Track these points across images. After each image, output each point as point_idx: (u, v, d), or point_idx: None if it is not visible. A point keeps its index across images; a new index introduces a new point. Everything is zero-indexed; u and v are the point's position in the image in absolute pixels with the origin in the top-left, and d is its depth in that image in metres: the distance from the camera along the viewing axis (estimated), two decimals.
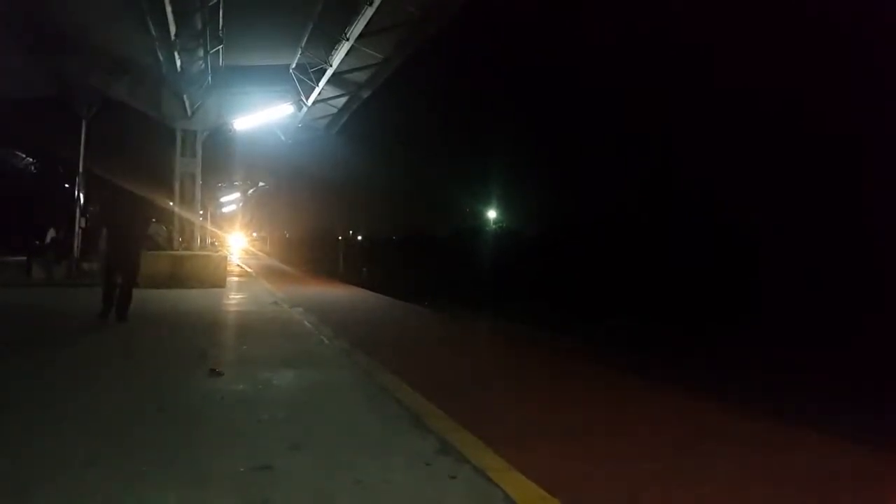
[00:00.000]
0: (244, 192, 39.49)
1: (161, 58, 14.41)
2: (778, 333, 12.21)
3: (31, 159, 33.85)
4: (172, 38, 13.23)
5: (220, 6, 12.90)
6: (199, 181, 17.93)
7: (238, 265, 30.78)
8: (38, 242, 19.41)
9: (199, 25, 13.39)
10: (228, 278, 18.39)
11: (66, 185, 24.34)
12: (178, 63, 14.79)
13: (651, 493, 3.67)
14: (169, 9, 11.91)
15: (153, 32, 12.91)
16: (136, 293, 9.99)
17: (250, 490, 3.34)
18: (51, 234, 18.98)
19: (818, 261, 15.99)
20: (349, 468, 3.68)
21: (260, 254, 46.06)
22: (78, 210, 19.03)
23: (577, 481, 3.76)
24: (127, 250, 9.86)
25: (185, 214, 17.76)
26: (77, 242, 18.86)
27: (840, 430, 4.85)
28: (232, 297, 14.84)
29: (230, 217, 45.82)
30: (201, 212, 20.35)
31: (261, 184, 38.19)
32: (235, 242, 49.43)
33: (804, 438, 4.85)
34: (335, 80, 18.32)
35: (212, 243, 25.53)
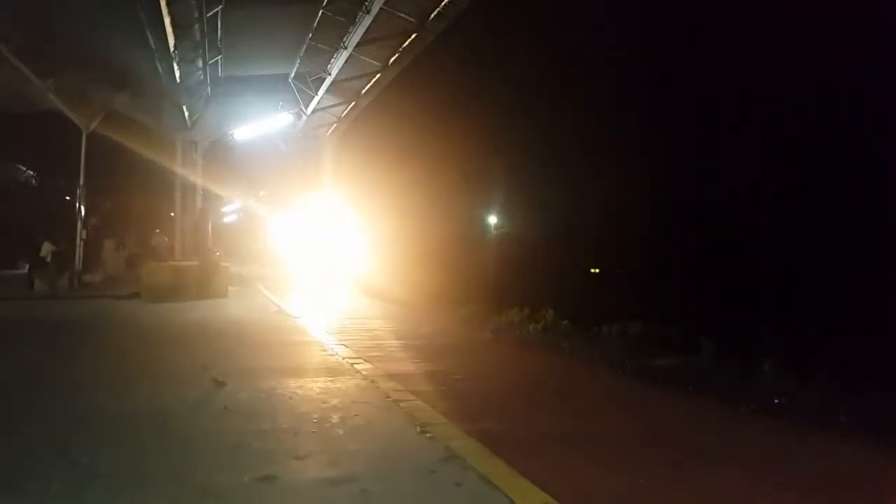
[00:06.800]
0: (245, 200, 39.27)
1: (160, 70, 14.47)
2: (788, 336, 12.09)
3: (31, 172, 33.87)
4: (171, 49, 13.29)
5: (219, 17, 12.96)
6: (199, 191, 17.98)
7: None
8: (38, 255, 19.33)
9: (198, 37, 13.45)
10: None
11: (67, 198, 24.34)
12: (178, 74, 14.84)
13: (658, 497, 3.65)
14: (167, 21, 11.96)
15: (152, 45, 12.97)
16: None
17: (254, 501, 3.32)
18: (46, 247, 18.85)
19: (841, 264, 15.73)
20: (354, 477, 3.66)
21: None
22: (79, 222, 19.00)
23: (583, 487, 3.74)
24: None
25: (187, 224, 17.77)
26: (79, 255, 18.82)
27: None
28: (233, 307, 14.78)
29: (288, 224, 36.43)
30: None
31: (261, 193, 38.12)
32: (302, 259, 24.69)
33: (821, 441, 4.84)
34: (334, 88, 18.40)
35: (216, 253, 25.40)
